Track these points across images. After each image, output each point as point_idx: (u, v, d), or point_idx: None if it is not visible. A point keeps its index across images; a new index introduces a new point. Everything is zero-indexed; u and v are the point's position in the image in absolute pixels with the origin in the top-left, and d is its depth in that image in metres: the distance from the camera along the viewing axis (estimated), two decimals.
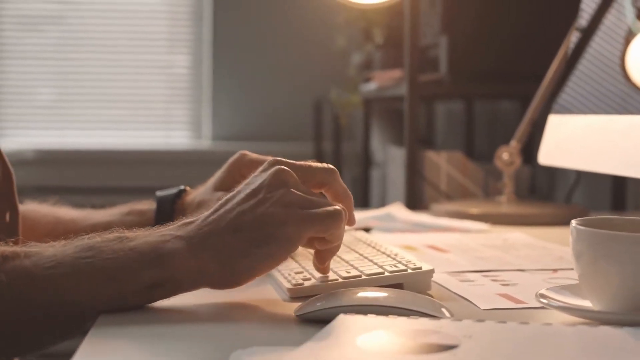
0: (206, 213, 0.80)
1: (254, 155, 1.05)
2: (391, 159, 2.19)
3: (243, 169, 1.04)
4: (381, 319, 0.67)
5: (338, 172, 0.86)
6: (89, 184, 3.69)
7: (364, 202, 2.51)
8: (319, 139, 3.29)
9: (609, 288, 0.71)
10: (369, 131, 2.51)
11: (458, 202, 1.62)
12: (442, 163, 1.75)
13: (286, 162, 0.82)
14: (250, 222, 0.77)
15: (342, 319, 0.67)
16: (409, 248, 1.17)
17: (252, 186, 0.80)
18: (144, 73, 4.08)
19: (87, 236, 0.78)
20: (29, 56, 4.05)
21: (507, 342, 0.63)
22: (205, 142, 3.98)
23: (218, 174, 1.07)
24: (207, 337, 0.70)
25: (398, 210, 1.57)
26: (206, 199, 1.05)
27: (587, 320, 0.71)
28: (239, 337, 0.70)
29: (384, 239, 1.25)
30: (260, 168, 0.82)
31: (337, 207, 0.79)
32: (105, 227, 1.07)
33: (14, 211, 1.02)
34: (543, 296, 0.73)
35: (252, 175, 0.82)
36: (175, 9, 4.06)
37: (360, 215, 1.53)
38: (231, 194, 0.81)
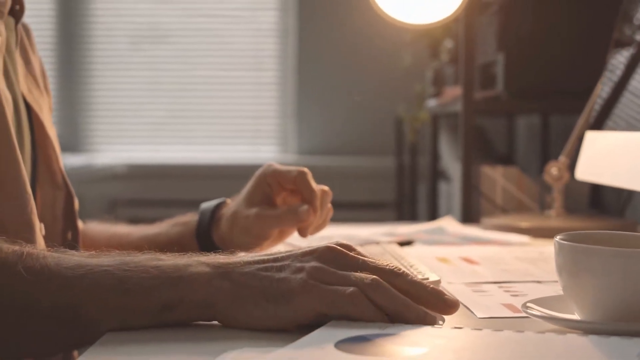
0: (247, 256, 0.79)
1: (278, 166, 1.14)
2: (455, 174, 2.23)
3: (268, 178, 1.12)
4: (363, 324, 0.73)
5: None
6: (178, 197, 3.82)
7: (432, 216, 2.55)
8: (400, 153, 3.35)
9: (588, 299, 0.75)
10: (436, 146, 2.56)
11: (509, 216, 1.65)
12: (498, 177, 1.78)
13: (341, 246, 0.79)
14: (270, 278, 0.75)
15: (331, 324, 0.73)
16: (442, 260, 1.22)
17: (298, 252, 0.78)
18: (233, 90, 4.21)
19: (119, 252, 0.78)
20: (123, 74, 4.22)
21: (477, 348, 0.68)
22: (291, 156, 4.07)
23: (247, 186, 1.15)
24: (203, 339, 0.75)
25: (449, 224, 1.62)
26: (238, 211, 1.14)
27: (570, 330, 0.75)
28: (235, 340, 0.75)
29: (420, 251, 1.30)
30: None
31: (355, 289, 0.73)
32: (154, 237, 1.17)
33: (75, 230, 1.12)
34: (528, 307, 0.78)
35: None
36: (262, 27, 4.17)
37: (412, 229, 1.58)
38: (283, 253, 0.79)
